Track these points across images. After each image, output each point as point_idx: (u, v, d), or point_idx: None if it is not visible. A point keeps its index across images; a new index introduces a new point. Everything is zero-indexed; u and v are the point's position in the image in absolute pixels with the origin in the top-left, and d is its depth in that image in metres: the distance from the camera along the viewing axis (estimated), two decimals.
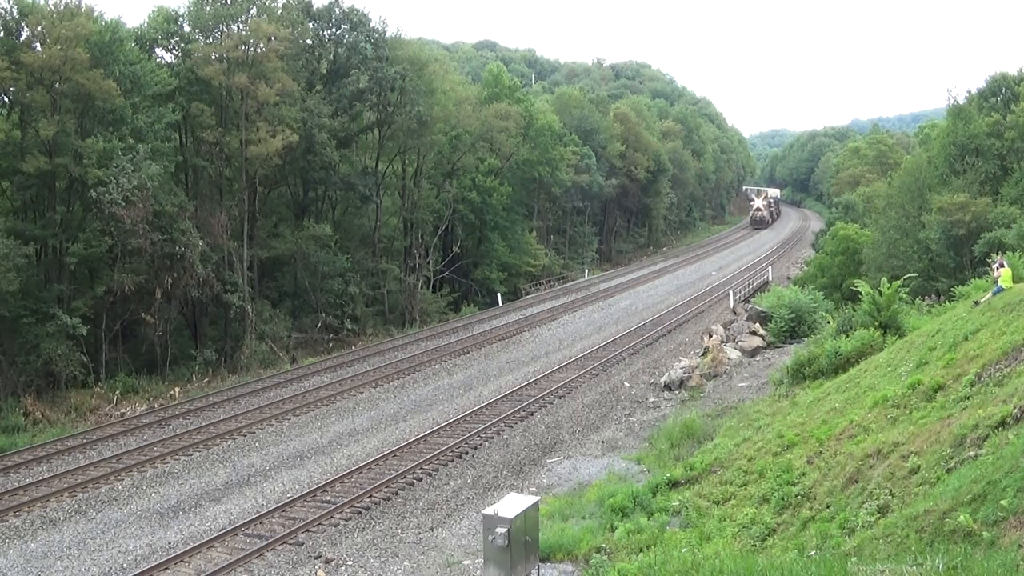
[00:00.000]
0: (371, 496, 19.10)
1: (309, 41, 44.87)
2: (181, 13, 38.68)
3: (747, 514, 13.72)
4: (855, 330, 23.75)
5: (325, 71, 46.12)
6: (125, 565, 16.00)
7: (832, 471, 13.34)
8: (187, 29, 38.78)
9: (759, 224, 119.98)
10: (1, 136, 29.98)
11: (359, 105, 45.89)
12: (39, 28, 30.25)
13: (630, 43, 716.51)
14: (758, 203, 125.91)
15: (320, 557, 16.04)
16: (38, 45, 30.51)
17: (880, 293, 24.46)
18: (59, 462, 22.19)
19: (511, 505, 12.63)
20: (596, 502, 16.82)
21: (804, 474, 14.05)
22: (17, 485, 20.15)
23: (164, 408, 28.28)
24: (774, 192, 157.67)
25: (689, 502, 15.33)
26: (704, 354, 32.19)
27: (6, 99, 32.25)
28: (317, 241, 41.98)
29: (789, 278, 57.74)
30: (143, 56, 34.90)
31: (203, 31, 38.46)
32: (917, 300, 32.37)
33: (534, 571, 13.00)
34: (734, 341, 34.02)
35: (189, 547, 16.33)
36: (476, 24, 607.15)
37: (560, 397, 27.98)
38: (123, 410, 29.03)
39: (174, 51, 39.12)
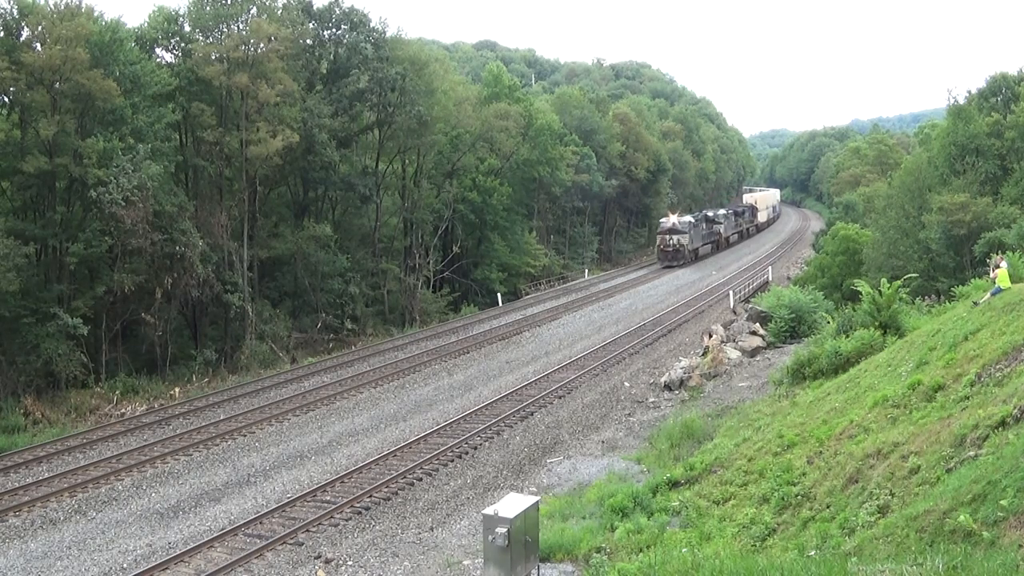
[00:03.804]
0: (371, 496, 19.10)
1: (309, 41, 44.86)
2: (181, 13, 38.72)
3: (747, 514, 13.72)
4: (855, 330, 23.74)
5: (325, 71, 46.12)
6: (125, 565, 16.00)
7: (832, 471, 13.35)
8: (187, 29, 38.79)
9: (671, 259, 68.38)
10: (1, 136, 29.96)
11: (359, 105, 45.89)
12: (39, 28, 30.25)
13: (630, 43, 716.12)
14: (672, 220, 70.54)
15: (320, 557, 16.03)
16: (38, 45, 30.50)
17: (880, 293, 24.46)
18: (59, 462, 22.19)
19: (511, 505, 12.63)
20: (596, 502, 16.81)
21: (804, 474, 14.05)
22: (17, 485, 20.15)
23: (164, 408, 28.29)
24: (762, 197, 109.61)
25: (689, 502, 15.33)
26: (704, 354, 32.19)
27: (6, 99, 32.23)
28: (317, 241, 41.98)
29: (789, 278, 57.71)
30: (143, 56, 34.90)
31: (203, 31, 38.48)
32: (917, 300, 32.35)
33: (534, 571, 12.99)
34: (734, 341, 34.02)
35: (189, 547, 16.33)
36: (476, 24, 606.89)
37: (560, 397, 27.98)
38: (123, 410, 29.03)
39: (174, 51, 39.13)
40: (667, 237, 68.97)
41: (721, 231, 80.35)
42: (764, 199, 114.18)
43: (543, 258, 65.04)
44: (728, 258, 74.33)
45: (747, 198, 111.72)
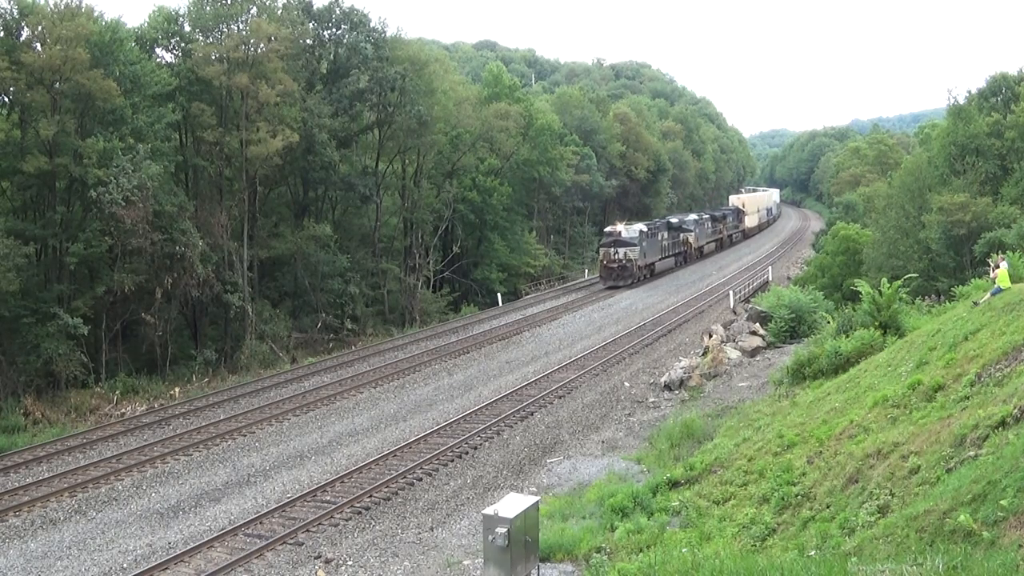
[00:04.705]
0: (371, 496, 19.09)
1: (309, 41, 44.93)
2: (181, 13, 38.80)
3: (747, 514, 13.72)
4: (855, 330, 23.74)
5: (325, 71, 46.19)
6: (125, 565, 15.99)
7: (832, 471, 13.34)
8: (187, 29, 38.86)
9: (615, 278, 54.51)
10: (1, 136, 29.99)
11: (359, 105, 45.94)
12: (39, 28, 30.29)
13: (630, 43, 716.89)
14: (619, 228, 56.58)
15: (320, 557, 16.03)
16: (38, 45, 30.55)
17: (880, 293, 24.46)
18: (59, 462, 22.18)
19: (511, 505, 12.63)
20: (596, 502, 16.81)
21: (804, 474, 14.05)
22: (17, 485, 20.14)
23: (164, 408, 28.28)
24: (752, 199, 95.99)
25: (689, 502, 15.33)
26: (704, 354, 32.18)
27: (6, 99, 32.27)
28: (317, 241, 42.01)
29: (789, 278, 57.71)
30: (143, 56, 34.95)
31: (203, 31, 38.54)
32: (917, 300, 32.37)
33: (534, 571, 12.99)
34: (734, 341, 34.00)
35: (189, 547, 16.32)
36: (476, 24, 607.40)
37: (560, 397, 27.98)
38: (123, 410, 29.04)
39: (174, 51, 39.21)
40: (610, 250, 54.71)
41: (691, 240, 67.83)
42: (755, 201, 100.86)
43: (543, 258, 65.10)
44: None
45: (733, 199, 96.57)
